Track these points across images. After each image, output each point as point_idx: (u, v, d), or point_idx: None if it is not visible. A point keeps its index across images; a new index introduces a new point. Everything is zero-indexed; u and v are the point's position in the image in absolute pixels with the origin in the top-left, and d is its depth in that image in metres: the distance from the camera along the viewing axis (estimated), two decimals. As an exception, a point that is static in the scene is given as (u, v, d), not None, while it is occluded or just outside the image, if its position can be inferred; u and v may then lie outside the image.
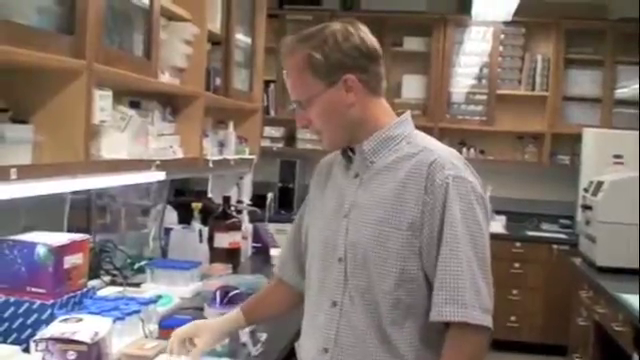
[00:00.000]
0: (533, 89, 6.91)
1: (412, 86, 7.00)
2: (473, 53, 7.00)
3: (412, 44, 7.00)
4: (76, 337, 1.86)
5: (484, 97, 6.96)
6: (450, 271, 1.82)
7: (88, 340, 1.86)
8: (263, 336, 2.53)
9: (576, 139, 6.52)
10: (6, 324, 2.25)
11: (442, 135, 6.28)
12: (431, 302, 1.84)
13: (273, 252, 4.15)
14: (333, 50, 1.90)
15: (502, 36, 6.91)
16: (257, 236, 4.43)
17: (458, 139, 6.74)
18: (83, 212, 3.35)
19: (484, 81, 6.98)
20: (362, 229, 1.90)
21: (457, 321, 1.81)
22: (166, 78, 3.00)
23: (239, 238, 3.94)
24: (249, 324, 2.30)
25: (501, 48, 6.92)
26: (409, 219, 1.85)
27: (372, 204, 1.91)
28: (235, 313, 2.26)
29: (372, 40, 1.97)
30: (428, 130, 2.07)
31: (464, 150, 6.68)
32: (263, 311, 2.30)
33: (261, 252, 4.34)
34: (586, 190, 5.29)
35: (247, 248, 4.25)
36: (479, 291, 1.83)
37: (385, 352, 1.88)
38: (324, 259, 1.99)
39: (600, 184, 4.97)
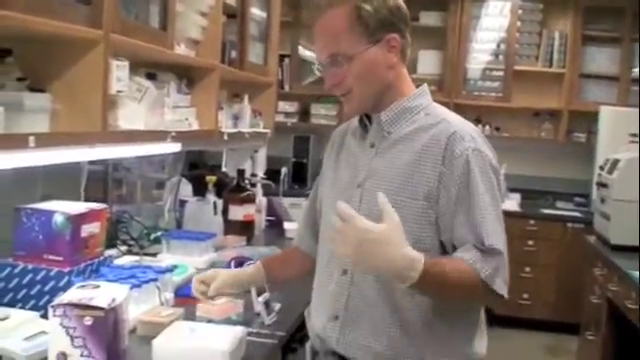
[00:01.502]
0: (550, 66, 6.88)
1: (428, 61, 6.97)
2: (490, 28, 6.96)
3: (428, 19, 6.95)
4: (93, 303, 1.87)
5: (501, 73, 6.92)
6: (480, 240, 1.82)
7: (105, 306, 1.88)
8: (277, 306, 2.55)
9: (593, 117, 6.47)
10: (24, 291, 2.28)
11: (457, 111, 6.07)
12: (462, 249, 1.84)
13: (287, 226, 4.17)
14: (381, 6, 1.89)
15: (520, 11, 6.86)
16: (271, 209, 4.44)
17: (474, 115, 6.70)
18: (100, 183, 3.38)
19: (501, 57, 6.94)
20: (377, 198, 1.90)
21: (482, 279, 1.80)
22: (182, 50, 3.01)
23: (253, 211, 3.96)
24: (267, 280, 2.32)
25: (519, 24, 6.88)
26: (425, 189, 1.86)
27: (388, 174, 1.91)
28: (254, 267, 2.29)
29: None
30: (443, 106, 2.06)
31: (479, 127, 6.65)
32: (281, 271, 2.33)
33: (275, 225, 4.35)
34: (602, 168, 5.26)
35: (261, 221, 4.26)
36: (505, 262, 1.85)
37: (395, 320, 1.90)
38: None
39: (616, 162, 4.94)
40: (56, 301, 1.91)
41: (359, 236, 1.67)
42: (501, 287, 1.83)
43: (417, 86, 2.04)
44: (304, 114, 7.24)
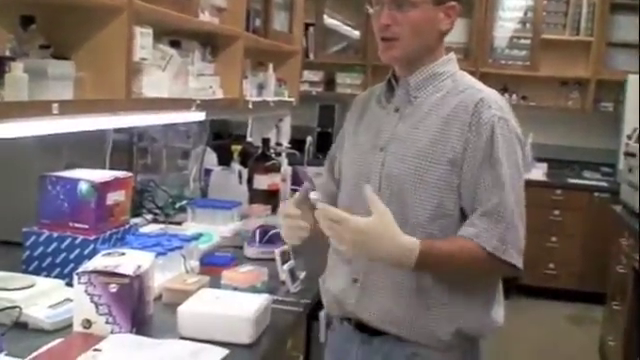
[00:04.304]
0: (578, 34, 6.79)
1: (454, 30, 6.73)
2: (517, -4, 6.85)
3: (455, -13, 6.84)
4: (118, 270, 1.88)
5: (528, 42, 6.84)
6: (492, 207, 1.82)
7: (130, 273, 1.88)
8: (302, 274, 2.55)
9: (620, 86, 6.40)
10: (49, 259, 2.29)
11: (484, 80, 5.99)
12: (467, 223, 1.85)
13: (312, 195, 4.15)
14: None
15: (547, -21, 6.76)
16: (296, 179, 4.42)
17: (500, 84, 6.58)
18: (125, 153, 3.38)
19: (528, 25, 6.86)
20: (400, 162, 1.90)
21: (491, 252, 1.82)
22: (206, 17, 2.98)
23: (278, 180, 3.95)
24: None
25: (546, -9, 6.78)
26: (450, 155, 1.85)
27: (412, 138, 1.91)
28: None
29: None
30: (470, 74, 2.05)
31: (506, 96, 6.58)
32: None
33: (300, 195, 4.33)
34: (629, 137, 5.21)
35: (286, 190, 4.25)
36: (517, 232, 1.85)
37: (414, 284, 1.89)
38: (356, 191, 1.98)
39: (644, 131, 4.89)
40: (81, 268, 1.92)
41: (352, 236, 1.75)
42: (512, 256, 1.84)
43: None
44: (329, 83, 7.21)
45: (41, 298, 2.02)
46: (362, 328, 2.00)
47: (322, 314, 2.29)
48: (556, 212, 6.44)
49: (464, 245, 1.83)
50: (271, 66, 3.98)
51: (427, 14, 1.90)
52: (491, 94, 1.93)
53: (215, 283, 2.35)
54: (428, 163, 1.87)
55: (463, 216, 1.88)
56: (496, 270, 1.90)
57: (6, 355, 1.72)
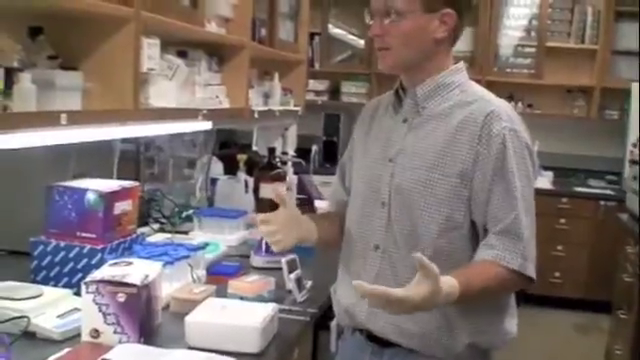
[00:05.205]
0: (582, 42, 6.79)
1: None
2: (522, 4, 6.88)
3: (459, -5, 6.85)
4: (126, 280, 1.89)
5: (532, 50, 6.86)
6: (509, 223, 1.82)
7: (138, 283, 1.89)
8: (308, 283, 2.55)
9: (625, 94, 6.40)
10: (57, 268, 2.30)
11: (489, 88, 6.00)
12: (484, 244, 1.85)
13: (318, 204, 4.16)
14: None
15: (551, -13, 6.76)
16: (302, 187, 4.43)
17: (506, 93, 6.54)
18: (132, 162, 3.40)
19: (533, 33, 6.87)
20: (409, 174, 1.90)
21: (515, 269, 1.82)
22: (212, 28, 3.00)
23: (284, 189, 3.95)
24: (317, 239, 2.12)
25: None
26: (459, 167, 1.85)
27: (421, 150, 1.90)
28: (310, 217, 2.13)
29: None
30: (475, 83, 2.05)
31: (512, 104, 6.56)
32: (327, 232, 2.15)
33: (305, 203, 4.33)
34: (634, 145, 5.20)
35: (292, 199, 4.26)
36: (532, 246, 1.86)
37: None
38: (365, 202, 1.99)
39: (649, 139, 4.89)
40: (89, 278, 1.92)
41: (408, 310, 1.67)
42: (531, 271, 1.85)
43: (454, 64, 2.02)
44: (334, 92, 7.22)
45: (49, 308, 2.02)
46: (373, 339, 1.99)
47: (333, 324, 2.28)
48: (562, 220, 6.43)
49: (491, 271, 1.82)
50: (277, 75, 3.98)
51: (417, 23, 1.87)
52: (501, 105, 1.92)
53: (222, 292, 2.36)
54: (438, 176, 1.86)
55: (473, 229, 1.88)
56: (518, 285, 1.89)
57: (15, 365, 1.72)
